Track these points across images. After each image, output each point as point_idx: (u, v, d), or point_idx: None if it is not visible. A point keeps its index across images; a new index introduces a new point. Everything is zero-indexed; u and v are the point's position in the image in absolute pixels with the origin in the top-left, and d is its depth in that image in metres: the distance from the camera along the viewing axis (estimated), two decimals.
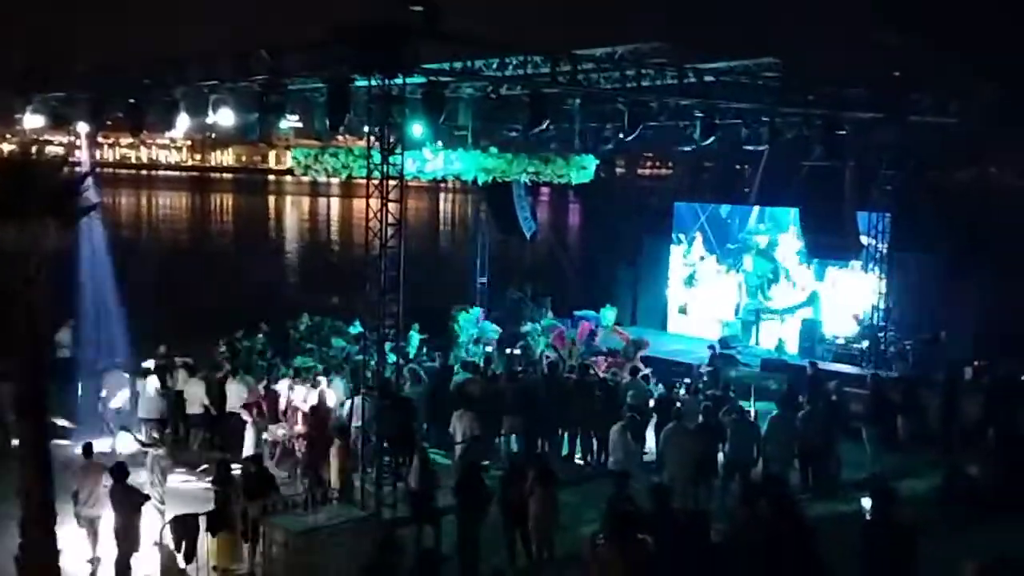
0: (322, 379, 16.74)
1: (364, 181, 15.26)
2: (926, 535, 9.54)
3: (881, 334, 20.93)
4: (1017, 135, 21.61)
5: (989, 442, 13.80)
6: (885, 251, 21.25)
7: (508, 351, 20.89)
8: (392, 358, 16.68)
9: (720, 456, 14.65)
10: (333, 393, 16.28)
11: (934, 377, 18.49)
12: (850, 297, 22.24)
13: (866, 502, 9.49)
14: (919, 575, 9.07)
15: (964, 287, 20.70)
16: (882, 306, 21.13)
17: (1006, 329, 20.70)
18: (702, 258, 25.32)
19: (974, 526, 12.00)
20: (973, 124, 21.47)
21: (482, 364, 19.02)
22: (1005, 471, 13.12)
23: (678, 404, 15.87)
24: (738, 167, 25.54)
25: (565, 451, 16.94)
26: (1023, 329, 20.58)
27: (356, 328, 20.00)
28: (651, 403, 16.88)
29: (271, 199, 76.80)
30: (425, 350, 20.33)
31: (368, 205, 14.77)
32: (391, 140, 14.39)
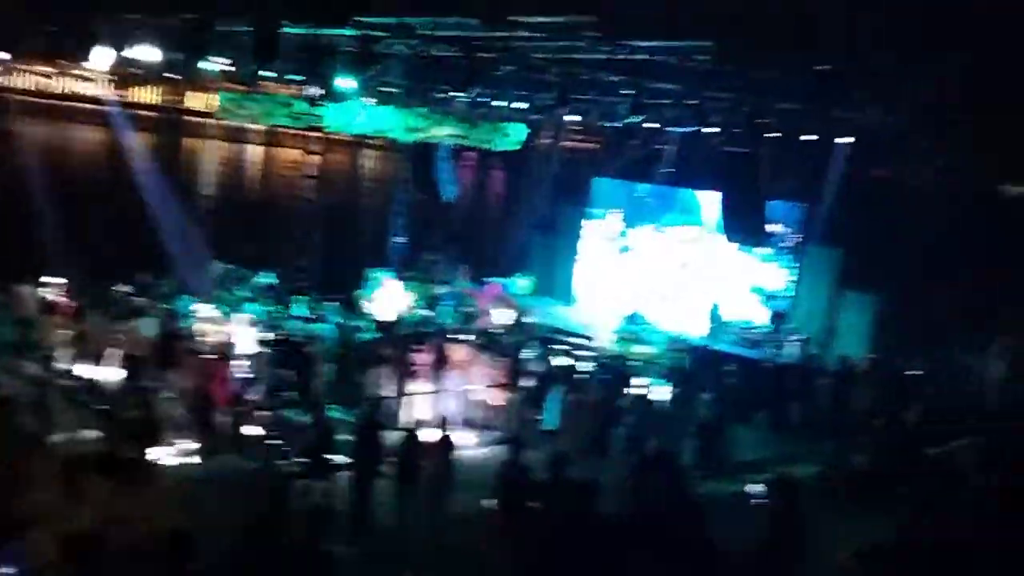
0: (229, 326, 16.53)
1: (287, 130, 15.05)
2: (807, 520, 9.84)
3: (782, 322, 21.44)
4: (936, 137, 22.17)
5: (874, 432, 14.30)
6: (796, 241, 21.75)
7: (421, 314, 20.91)
8: (303, 311, 16.66)
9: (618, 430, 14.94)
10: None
11: (828, 367, 19.11)
12: (758, 284, 22.72)
13: (754, 487, 9.74)
14: (801, 558, 9.35)
15: (866, 283, 21.32)
16: (786, 294, 21.65)
17: (901, 325, 21.42)
18: (622, 234, 25.57)
19: (850, 512, 12.43)
20: (895, 123, 21.97)
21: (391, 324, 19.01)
22: (886, 460, 13.62)
23: (578, 377, 16.11)
24: (661, 147, 25.75)
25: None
26: (917, 326, 21.33)
27: (267, 278, 19.80)
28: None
29: (189, 141, 75.10)
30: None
31: (288, 156, 14.57)
32: (318, 91, 14.22)
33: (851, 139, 22.13)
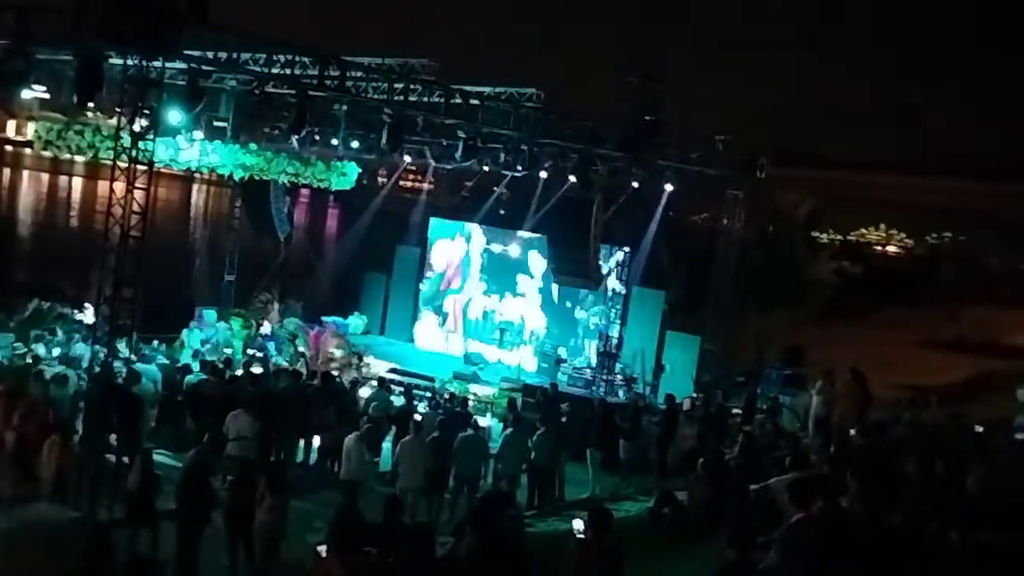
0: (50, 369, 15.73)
1: (111, 163, 14.56)
2: (633, 557, 10.11)
3: (612, 362, 22.08)
4: (745, 186, 23.55)
5: (698, 470, 14.80)
6: (622, 284, 22.51)
7: (251, 352, 20.47)
8: (125, 351, 15.96)
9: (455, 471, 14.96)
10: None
11: (656, 406, 19.78)
12: (587, 325, 23.33)
13: (577, 523, 9.94)
14: None
15: (690, 323, 22.25)
16: (615, 335, 22.33)
17: (723, 365, 22.45)
18: (455, 275, 25.78)
19: (675, 550, 12.82)
20: (711, 171, 23.17)
21: (221, 364, 18.48)
22: (708, 498, 14.13)
23: (417, 417, 16.09)
24: (496, 189, 26.25)
25: (300, 458, 16.75)
26: (735, 367, 22.42)
27: (88, 316, 18.97)
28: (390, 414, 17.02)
29: (6, 172, 71.42)
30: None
31: (112, 190, 14.07)
32: (144, 124, 13.81)
33: (672, 188, 23.20)
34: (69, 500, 12.39)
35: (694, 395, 20.21)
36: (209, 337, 21.20)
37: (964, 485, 11.96)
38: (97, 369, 13.85)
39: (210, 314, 22.19)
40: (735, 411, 19.50)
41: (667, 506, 14.56)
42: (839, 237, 48.60)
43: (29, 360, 16.95)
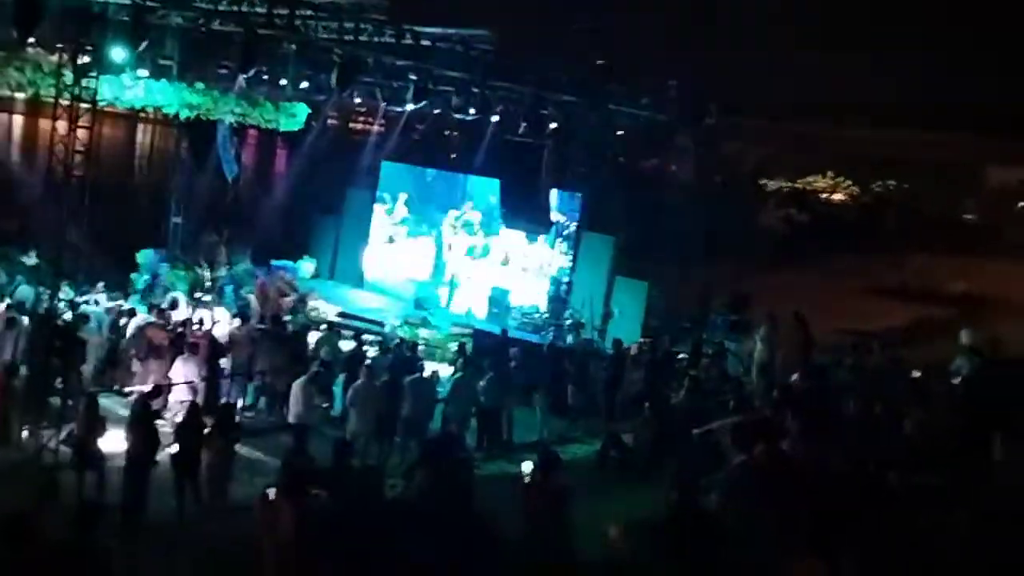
0: None
1: (52, 101, 14.24)
2: (580, 498, 10.31)
3: (562, 307, 22.22)
4: (695, 130, 23.71)
5: (645, 413, 15.07)
6: (574, 229, 22.57)
7: (199, 296, 20.27)
8: (70, 293, 15.78)
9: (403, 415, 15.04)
10: None
11: (604, 351, 20.00)
12: (537, 270, 23.41)
13: (526, 465, 10.09)
14: (571, 535, 9.78)
15: (639, 269, 22.40)
16: (565, 280, 22.45)
17: (670, 310, 22.70)
18: (404, 219, 25.66)
19: (623, 490, 13.09)
20: (661, 117, 23.22)
21: (168, 307, 18.32)
22: (654, 440, 14.42)
23: (367, 362, 16.12)
24: (447, 133, 26.06)
25: (250, 401, 16.74)
26: (682, 312, 22.68)
27: (30, 258, 18.64)
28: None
29: None
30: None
31: (55, 128, 13.79)
32: (86, 61, 13.51)
33: (623, 132, 23.23)
34: (13, 442, 12.30)
35: (641, 340, 20.44)
36: (151, 279, 20.98)
37: (903, 428, 12.33)
38: (41, 311, 13.68)
39: (145, 254, 21.90)
40: (681, 356, 19.78)
41: (614, 448, 14.86)
42: (787, 185, 48.96)
43: None
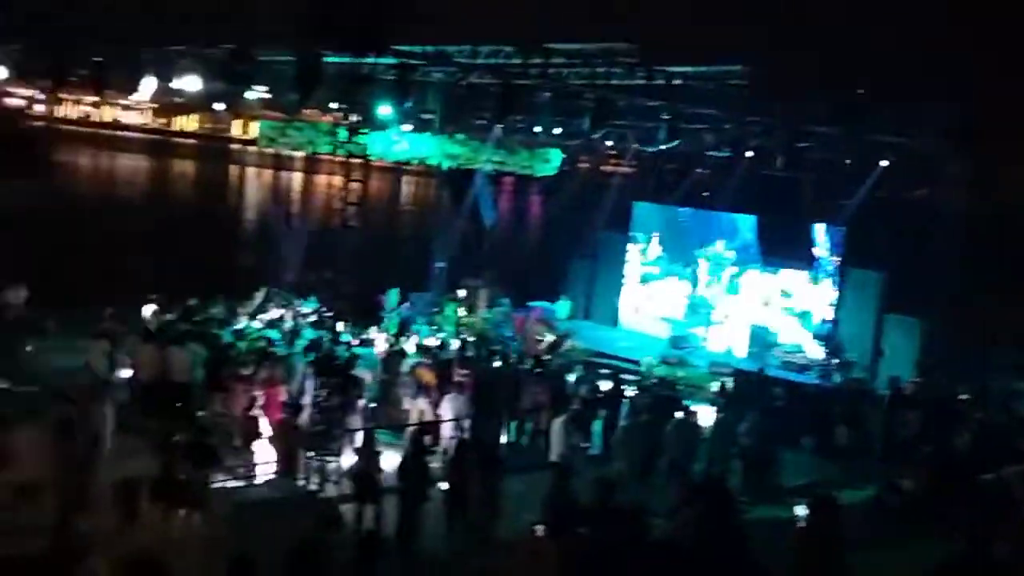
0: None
1: (328, 157, 15.21)
2: (856, 546, 9.73)
3: (827, 346, 21.28)
4: (967, 157, 22.11)
5: (924, 457, 14.10)
6: (837, 264, 21.62)
7: (464, 337, 20.95)
8: (346, 337, 16.76)
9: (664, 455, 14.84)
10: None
11: (875, 391, 18.92)
12: (800, 307, 22.58)
13: (800, 509, 9.64)
14: None
15: (908, 306, 21.13)
16: (831, 318, 21.50)
17: (945, 349, 21.19)
18: (658, 258, 25.54)
19: (903, 540, 12.26)
20: (928, 144, 21.90)
21: (437, 348, 19.03)
22: (936, 487, 13.43)
23: (627, 400, 16.06)
24: (699, 170, 25.79)
25: (512, 438, 17.04)
26: (960, 350, 21.09)
27: (311, 304, 19.94)
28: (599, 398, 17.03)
29: (232, 168, 76.35)
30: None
31: (330, 183, 14.71)
32: (358, 119, 14.42)
33: (887, 162, 22.05)
34: (299, 477, 13.11)
35: (917, 379, 19.20)
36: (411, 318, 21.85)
37: None
38: (321, 354, 14.55)
39: (414, 296, 22.80)
40: (962, 397, 18.39)
41: (892, 495, 13.95)
42: None
43: (263, 344, 17.92)
